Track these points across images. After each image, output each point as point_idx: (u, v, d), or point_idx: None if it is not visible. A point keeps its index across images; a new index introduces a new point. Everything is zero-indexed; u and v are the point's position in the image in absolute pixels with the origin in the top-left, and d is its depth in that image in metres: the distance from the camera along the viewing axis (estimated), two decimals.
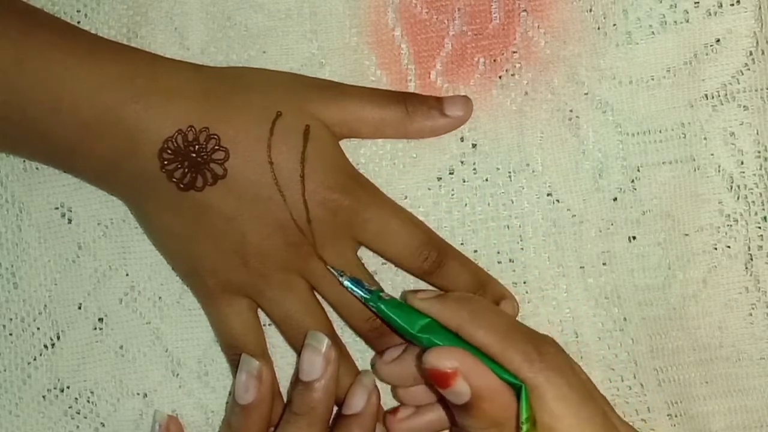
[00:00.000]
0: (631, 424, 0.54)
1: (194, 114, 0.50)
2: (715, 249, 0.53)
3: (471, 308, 0.48)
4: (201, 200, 0.51)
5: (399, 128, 0.53)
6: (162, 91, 0.50)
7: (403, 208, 0.54)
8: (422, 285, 0.54)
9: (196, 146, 0.50)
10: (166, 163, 0.50)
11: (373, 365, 0.54)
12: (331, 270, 0.52)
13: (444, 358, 0.45)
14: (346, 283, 0.51)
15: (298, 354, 0.54)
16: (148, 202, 0.52)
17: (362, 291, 0.51)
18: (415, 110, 0.53)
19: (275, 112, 0.51)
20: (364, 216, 0.52)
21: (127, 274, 0.56)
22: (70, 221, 0.56)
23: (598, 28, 0.54)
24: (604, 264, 0.54)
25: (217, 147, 0.50)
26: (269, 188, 0.51)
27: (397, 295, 0.54)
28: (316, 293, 0.53)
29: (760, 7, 0.52)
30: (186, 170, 0.50)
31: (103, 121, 0.50)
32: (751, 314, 0.53)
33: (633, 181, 0.54)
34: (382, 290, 0.52)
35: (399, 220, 0.53)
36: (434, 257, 0.53)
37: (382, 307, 0.50)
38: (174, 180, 0.50)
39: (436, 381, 0.46)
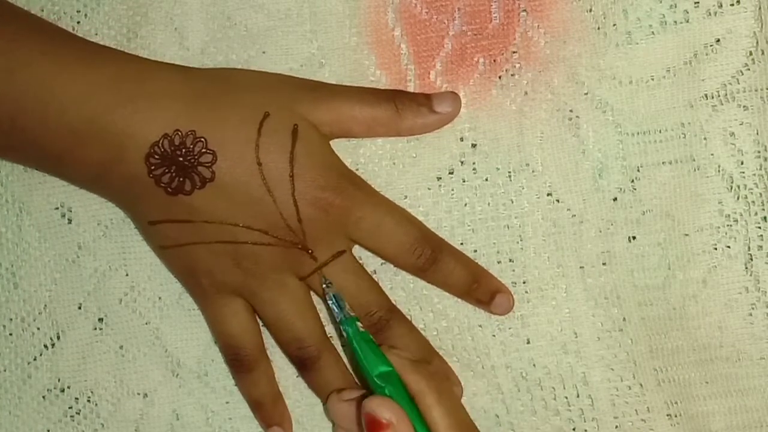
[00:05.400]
0: (630, 424, 0.54)
1: (181, 117, 0.50)
2: (715, 249, 0.53)
3: (438, 385, 0.48)
4: (190, 204, 0.51)
5: (390, 126, 0.53)
6: (149, 95, 0.50)
7: (397, 206, 0.54)
8: (421, 283, 0.54)
9: (183, 150, 0.50)
10: (153, 168, 0.50)
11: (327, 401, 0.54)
12: (323, 280, 0.52)
13: (385, 409, 0.46)
14: (329, 297, 0.51)
15: (288, 356, 0.54)
16: (139, 206, 0.52)
17: (341, 312, 0.51)
18: (405, 108, 0.53)
19: (263, 113, 0.51)
20: (356, 214, 0.52)
21: (127, 274, 0.56)
22: (70, 221, 0.56)
23: (598, 28, 0.53)
24: (603, 264, 0.54)
25: (204, 150, 0.50)
26: (259, 189, 0.51)
27: (396, 295, 0.54)
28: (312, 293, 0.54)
29: (760, 7, 0.52)
30: (174, 174, 0.50)
31: (91, 128, 0.50)
32: (751, 314, 0.53)
33: (633, 181, 0.54)
34: (358, 319, 0.51)
35: (392, 218, 0.53)
36: (428, 254, 0.53)
37: (354, 337, 0.50)
38: (162, 185, 0.50)
39: (369, 426, 0.47)
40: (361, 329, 0.50)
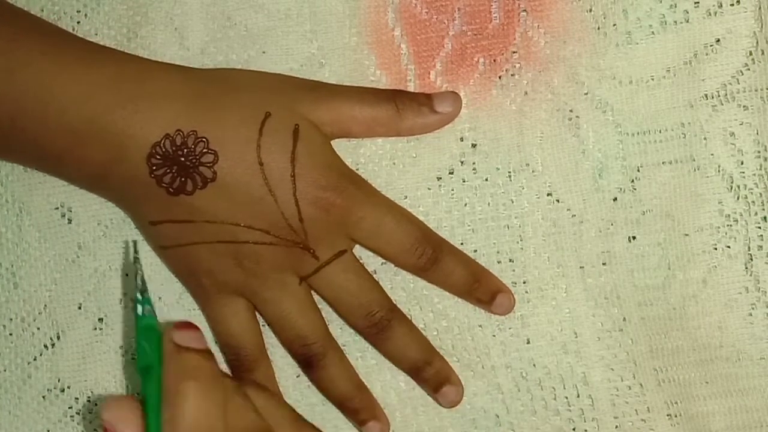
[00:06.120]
0: (630, 424, 0.54)
1: (182, 117, 0.50)
2: (715, 249, 0.53)
3: (179, 384, 0.41)
4: (192, 204, 0.51)
5: (390, 126, 0.53)
6: (149, 96, 0.50)
7: (398, 205, 0.54)
8: (421, 283, 0.54)
9: (185, 150, 0.50)
10: (154, 168, 0.50)
11: None
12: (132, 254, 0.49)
13: (107, 410, 0.41)
14: (136, 269, 0.47)
15: (292, 355, 0.54)
16: (140, 206, 0.52)
17: (137, 290, 0.46)
18: (406, 108, 0.53)
19: (264, 113, 0.51)
20: (357, 214, 0.52)
21: (127, 275, 0.56)
22: (70, 221, 0.56)
23: (598, 28, 0.53)
24: (603, 264, 0.54)
25: (205, 150, 0.50)
26: (260, 189, 0.51)
27: (396, 295, 0.54)
28: (313, 292, 0.54)
29: (760, 7, 0.52)
30: (175, 174, 0.50)
31: (91, 128, 0.50)
32: (751, 314, 0.53)
33: (633, 181, 0.54)
34: (153, 310, 0.46)
35: (393, 218, 0.53)
36: (429, 254, 0.53)
37: (139, 319, 0.45)
38: (163, 185, 0.50)
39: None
40: (149, 313, 0.45)
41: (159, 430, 0.41)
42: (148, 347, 0.43)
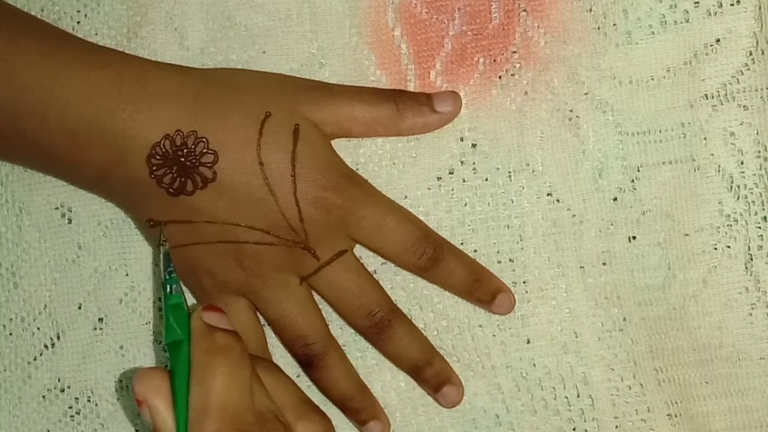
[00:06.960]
0: (630, 424, 0.54)
1: (182, 118, 0.50)
2: (715, 249, 0.53)
3: (210, 360, 0.42)
4: (192, 204, 0.51)
5: (390, 126, 0.53)
6: (149, 97, 0.51)
7: (398, 205, 0.54)
8: (421, 283, 0.54)
9: (185, 150, 0.50)
10: (154, 168, 0.50)
11: None
12: (162, 241, 0.49)
13: (138, 382, 0.42)
14: (162, 251, 0.48)
15: (293, 355, 0.54)
16: (141, 207, 0.52)
17: (164, 270, 0.47)
18: (406, 107, 0.53)
19: (264, 112, 0.51)
20: (358, 214, 0.52)
21: (127, 274, 0.56)
22: (70, 221, 0.56)
23: (598, 28, 0.54)
24: (604, 264, 0.54)
25: (205, 150, 0.50)
26: (260, 189, 0.51)
27: (396, 295, 0.54)
28: (313, 292, 0.54)
29: (760, 7, 0.52)
30: (175, 175, 0.50)
31: (91, 130, 0.50)
32: (751, 314, 0.53)
33: (633, 181, 0.54)
34: (181, 289, 0.47)
35: (394, 217, 0.53)
36: (430, 254, 0.53)
37: (168, 298, 0.46)
38: (163, 186, 0.51)
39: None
40: (178, 292, 0.46)
41: (187, 401, 0.42)
42: (176, 324, 0.44)
